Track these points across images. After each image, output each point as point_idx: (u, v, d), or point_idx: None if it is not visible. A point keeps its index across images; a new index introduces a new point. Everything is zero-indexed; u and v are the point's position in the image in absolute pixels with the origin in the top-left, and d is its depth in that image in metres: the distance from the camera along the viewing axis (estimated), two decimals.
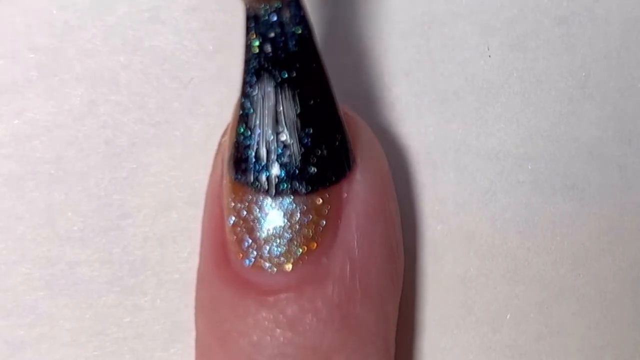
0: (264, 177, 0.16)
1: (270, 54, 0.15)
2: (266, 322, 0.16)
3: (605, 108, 0.19)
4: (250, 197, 0.16)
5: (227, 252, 0.17)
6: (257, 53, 0.15)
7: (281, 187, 0.16)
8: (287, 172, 0.16)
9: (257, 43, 0.15)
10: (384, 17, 0.19)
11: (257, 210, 0.16)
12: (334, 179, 0.16)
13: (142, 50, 0.18)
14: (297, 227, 0.16)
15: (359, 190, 0.17)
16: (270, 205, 0.16)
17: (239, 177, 0.16)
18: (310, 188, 0.16)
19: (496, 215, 0.19)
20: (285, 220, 0.16)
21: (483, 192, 0.19)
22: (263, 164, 0.16)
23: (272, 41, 0.15)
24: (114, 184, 0.18)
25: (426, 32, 0.19)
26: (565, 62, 0.19)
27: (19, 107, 0.18)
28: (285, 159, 0.16)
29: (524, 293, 0.19)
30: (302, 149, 0.16)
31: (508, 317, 0.19)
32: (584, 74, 0.19)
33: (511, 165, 0.19)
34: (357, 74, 0.19)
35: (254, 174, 0.16)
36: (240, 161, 0.16)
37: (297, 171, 0.16)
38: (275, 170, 0.16)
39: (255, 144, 0.16)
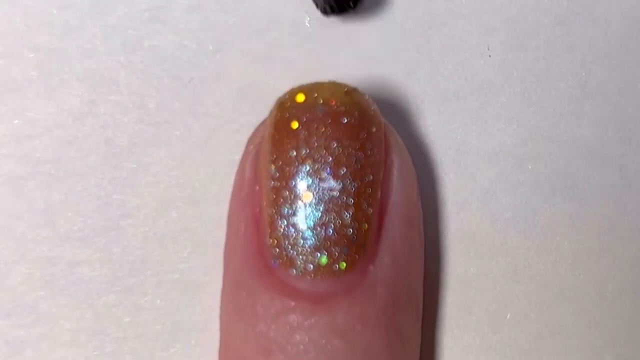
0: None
1: None
2: (316, 330, 0.16)
3: (605, 108, 0.19)
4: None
5: (265, 259, 0.16)
6: None
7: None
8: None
9: None
10: (384, 17, 0.19)
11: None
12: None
13: (142, 50, 0.18)
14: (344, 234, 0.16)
15: (398, 197, 0.17)
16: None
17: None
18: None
19: (496, 215, 0.19)
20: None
21: (483, 192, 0.19)
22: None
23: None
24: (114, 184, 0.18)
25: (426, 32, 0.19)
26: (565, 62, 0.19)
27: (19, 107, 0.18)
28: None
29: (524, 293, 0.19)
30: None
31: (508, 317, 0.19)
32: (584, 74, 0.19)
33: (511, 165, 0.19)
34: (357, 74, 0.19)
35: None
36: None
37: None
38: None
39: None
